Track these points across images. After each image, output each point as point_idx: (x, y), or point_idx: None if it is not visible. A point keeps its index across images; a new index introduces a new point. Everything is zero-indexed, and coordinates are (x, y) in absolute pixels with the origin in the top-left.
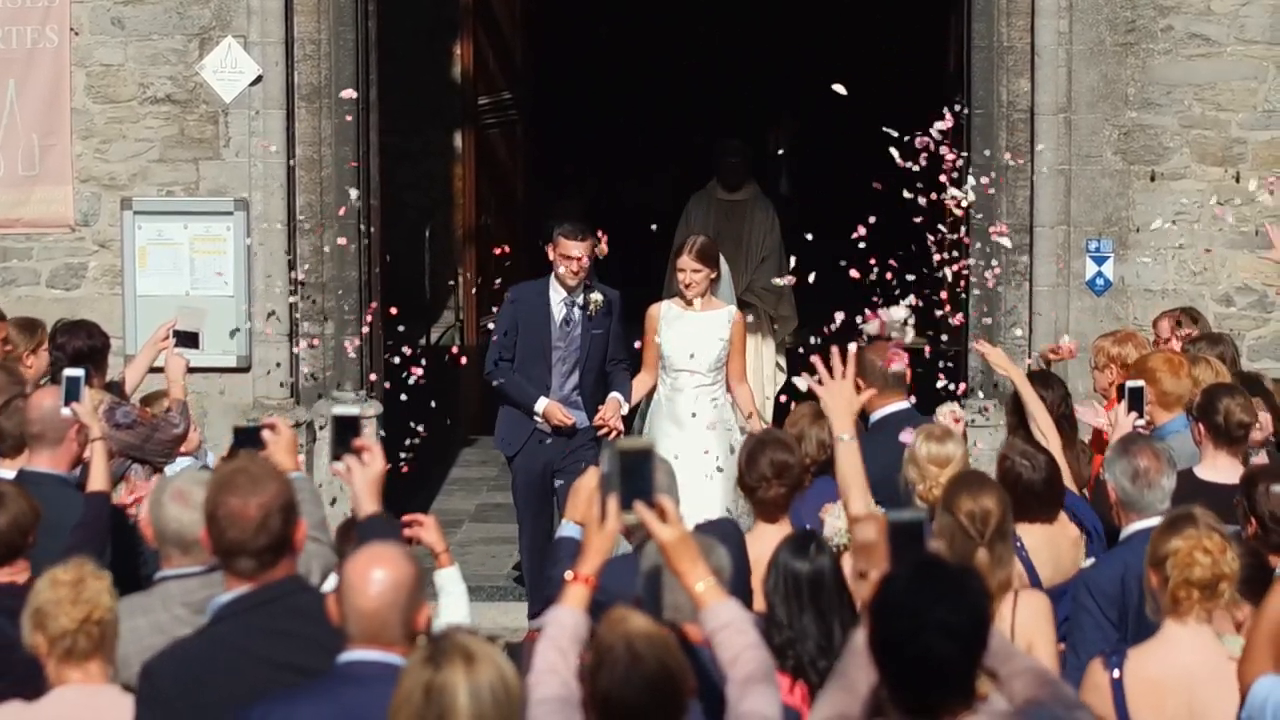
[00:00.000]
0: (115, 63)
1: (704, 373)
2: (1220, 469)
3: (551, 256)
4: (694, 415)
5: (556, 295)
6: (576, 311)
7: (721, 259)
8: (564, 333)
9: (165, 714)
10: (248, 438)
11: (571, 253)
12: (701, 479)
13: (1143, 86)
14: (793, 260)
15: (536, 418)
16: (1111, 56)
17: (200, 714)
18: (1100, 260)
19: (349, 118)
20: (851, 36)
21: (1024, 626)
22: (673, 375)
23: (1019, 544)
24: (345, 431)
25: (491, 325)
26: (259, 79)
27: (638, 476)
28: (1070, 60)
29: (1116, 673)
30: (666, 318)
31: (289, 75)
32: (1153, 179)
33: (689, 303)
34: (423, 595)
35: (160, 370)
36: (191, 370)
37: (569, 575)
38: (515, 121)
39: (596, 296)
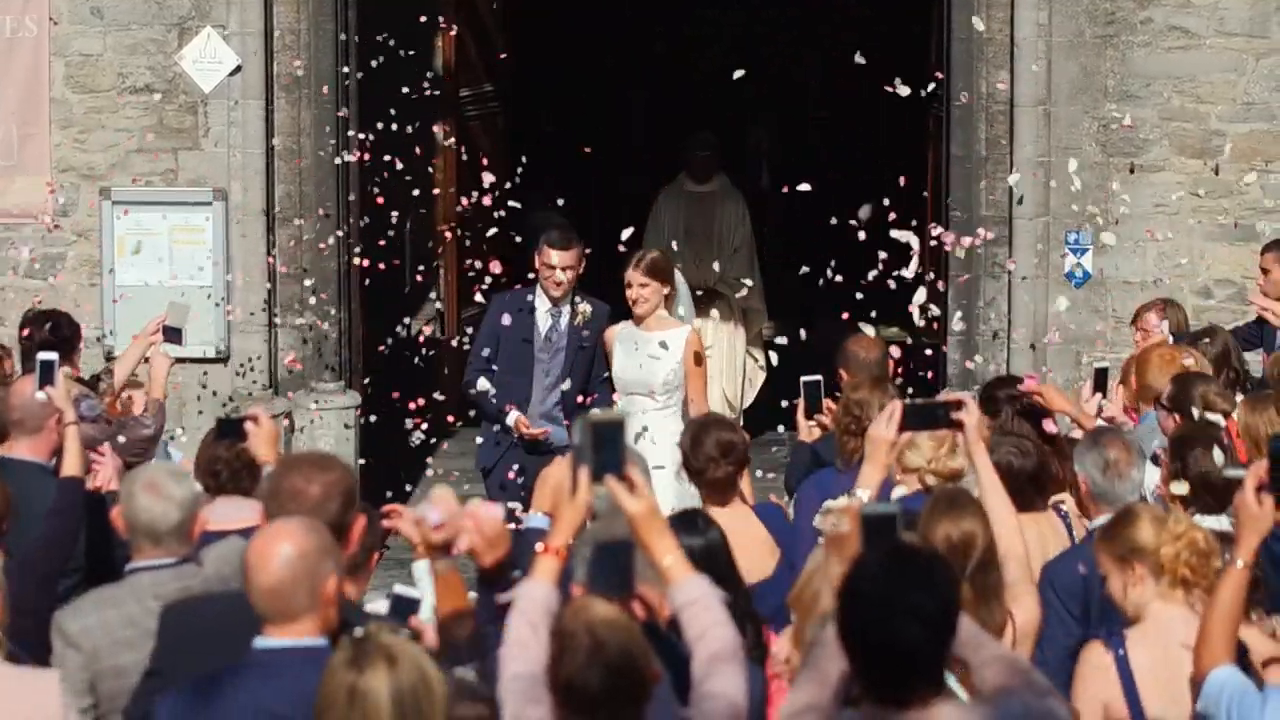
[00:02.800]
0: (94, 52)
1: (655, 396)
2: None
3: (537, 264)
4: (653, 442)
5: (542, 305)
6: (563, 323)
7: (678, 276)
8: (548, 345)
9: (162, 652)
10: (230, 429)
11: (553, 261)
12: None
13: (1122, 79)
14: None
15: (510, 428)
16: (1091, 49)
17: (175, 666)
18: (1079, 252)
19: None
20: (835, 30)
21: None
22: (625, 399)
23: None
24: (404, 609)
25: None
26: (238, 69)
27: (609, 449)
28: (1050, 52)
29: (1121, 651)
30: (621, 338)
31: (268, 66)
32: (1132, 171)
33: (640, 321)
34: (331, 565)
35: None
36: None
37: (539, 547)
38: (497, 113)
39: (585, 308)
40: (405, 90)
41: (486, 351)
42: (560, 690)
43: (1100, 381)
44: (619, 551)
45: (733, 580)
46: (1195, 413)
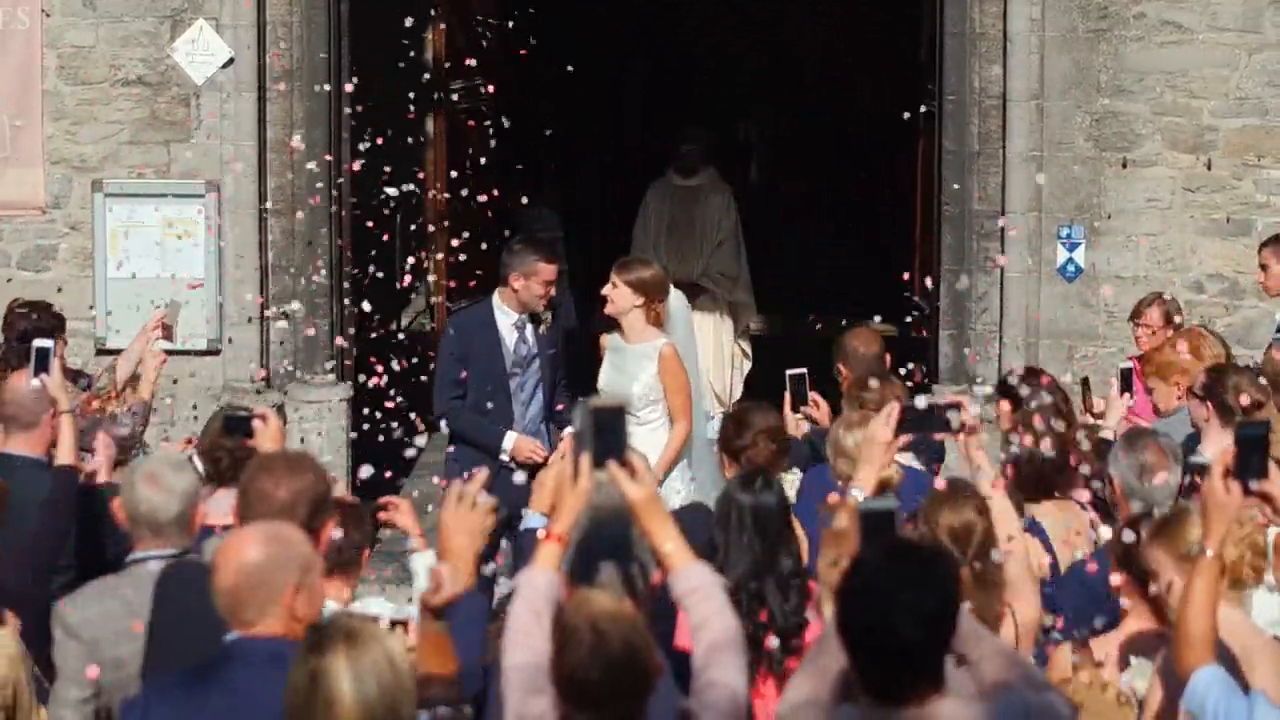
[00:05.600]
0: (87, 44)
1: (635, 412)
2: None
3: (518, 284)
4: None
5: (505, 319)
6: (529, 333)
7: (675, 294)
8: (519, 358)
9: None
10: (237, 426)
11: (547, 276)
12: None
13: (1115, 73)
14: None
15: (504, 456)
16: (1084, 43)
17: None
18: (1072, 247)
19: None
20: (826, 25)
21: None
22: None
23: (1038, 525)
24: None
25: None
26: (230, 61)
27: (610, 434)
28: (1042, 47)
29: None
30: (610, 348)
31: (260, 58)
32: (1124, 166)
33: (618, 329)
34: (292, 575)
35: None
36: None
37: (541, 533)
38: (488, 107)
39: (546, 315)
40: (396, 83)
41: (453, 376)
42: (562, 684)
43: (1126, 381)
44: (605, 540)
45: (780, 539)
46: (1230, 401)
